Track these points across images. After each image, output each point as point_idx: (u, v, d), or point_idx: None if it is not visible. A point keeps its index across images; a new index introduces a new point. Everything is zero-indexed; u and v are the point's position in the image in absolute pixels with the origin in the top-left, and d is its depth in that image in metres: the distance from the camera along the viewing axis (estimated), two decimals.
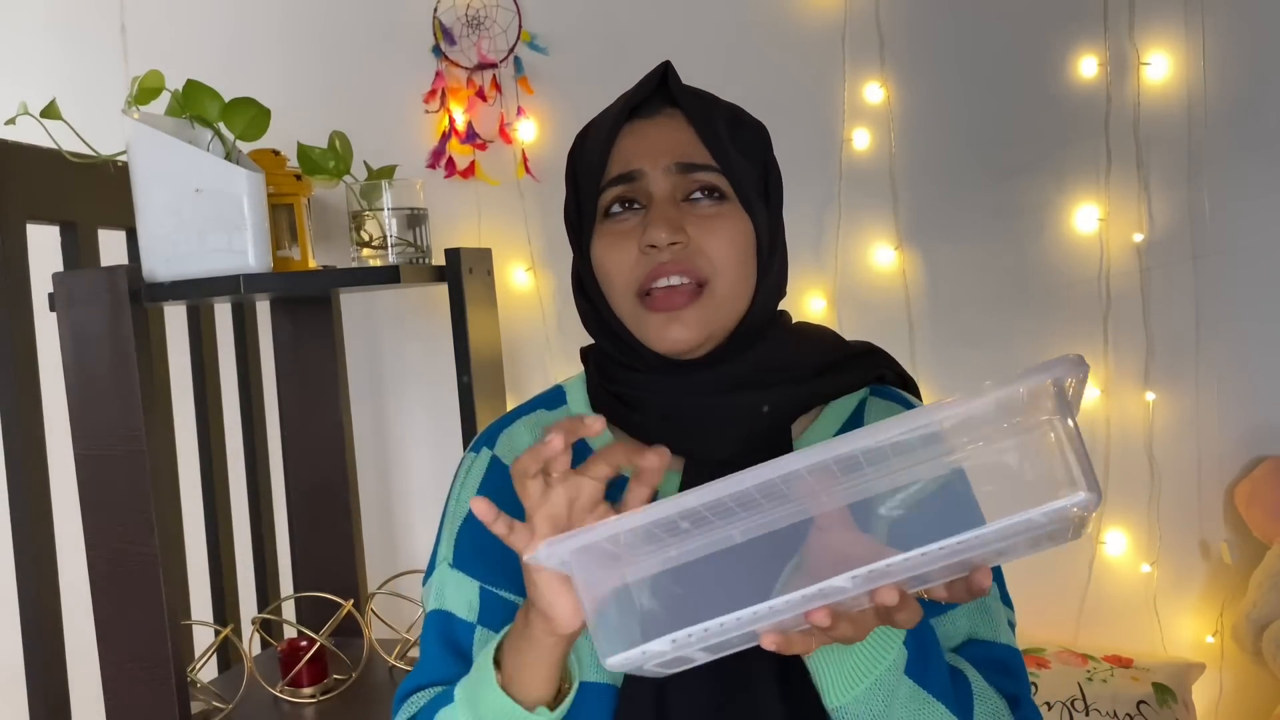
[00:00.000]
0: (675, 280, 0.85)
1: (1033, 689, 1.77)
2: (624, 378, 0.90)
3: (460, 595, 0.91)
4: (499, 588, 0.90)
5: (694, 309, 0.85)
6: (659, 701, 0.83)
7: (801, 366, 0.90)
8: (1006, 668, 0.86)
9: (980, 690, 0.82)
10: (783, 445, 0.88)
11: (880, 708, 0.75)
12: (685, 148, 0.87)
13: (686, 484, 0.87)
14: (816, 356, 0.92)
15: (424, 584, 0.96)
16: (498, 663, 0.79)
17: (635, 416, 0.89)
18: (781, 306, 0.95)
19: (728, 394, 0.87)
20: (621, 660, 0.66)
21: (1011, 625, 0.90)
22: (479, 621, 0.90)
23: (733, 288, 0.87)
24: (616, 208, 0.88)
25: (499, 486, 0.92)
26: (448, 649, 0.90)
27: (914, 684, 0.76)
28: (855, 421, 0.92)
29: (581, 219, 0.91)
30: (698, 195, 0.87)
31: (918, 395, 1.00)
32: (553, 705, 0.78)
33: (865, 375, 0.93)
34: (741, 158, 0.88)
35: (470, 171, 2.04)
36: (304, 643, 1.53)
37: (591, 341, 0.96)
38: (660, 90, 0.90)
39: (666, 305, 0.85)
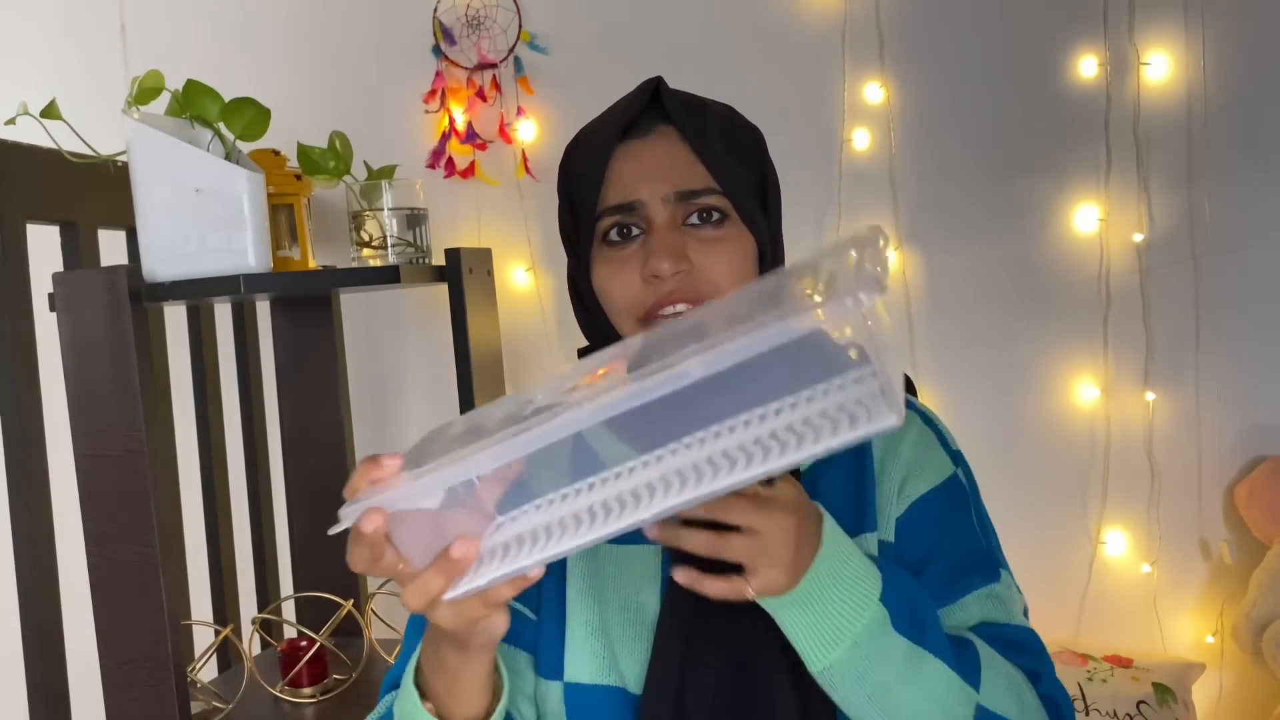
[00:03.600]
0: (681, 309, 0.85)
1: None
2: None
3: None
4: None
5: None
6: (678, 699, 0.83)
7: None
8: (1022, 646, 0.85)
9: (990, 658, 0.81)
10: None
11: (869, 666, 0.74)
12: (683, 171, 0.86)
13: None
14: None
15: None
16: (421, 686, 0.77)
17: None
18: None
19: None
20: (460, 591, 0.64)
21: (1024, 612, 0.90)
22: None
23: None
24: (615, 235, 0.88)
25: None
26: None
27: (907, 640, 0.75)
28: None
29: (579, 236, 0.90)
30: (696, 220, 0.87)
31: (914, 393, 1.00)
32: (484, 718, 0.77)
33: None
34: (739, 169, 0.88)
35: (470, 171, 2.04)
36: (304, 643, 1.53)
37: (588, 344, 0.96)
38: (652, 105, 0.89)
39: None
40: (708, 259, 0.85)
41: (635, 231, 0.87)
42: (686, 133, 0.87)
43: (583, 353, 0.97)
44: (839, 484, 0.89)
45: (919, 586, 0.80)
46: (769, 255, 0.90)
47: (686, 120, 0.88)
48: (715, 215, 0.86)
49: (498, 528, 0.66)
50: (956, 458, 0.92)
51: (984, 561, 0.88)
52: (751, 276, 0.88)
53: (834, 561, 0.74)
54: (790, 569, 0.71)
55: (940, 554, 0.87)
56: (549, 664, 0.89)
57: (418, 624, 0.91)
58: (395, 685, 0.90)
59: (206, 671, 1.59)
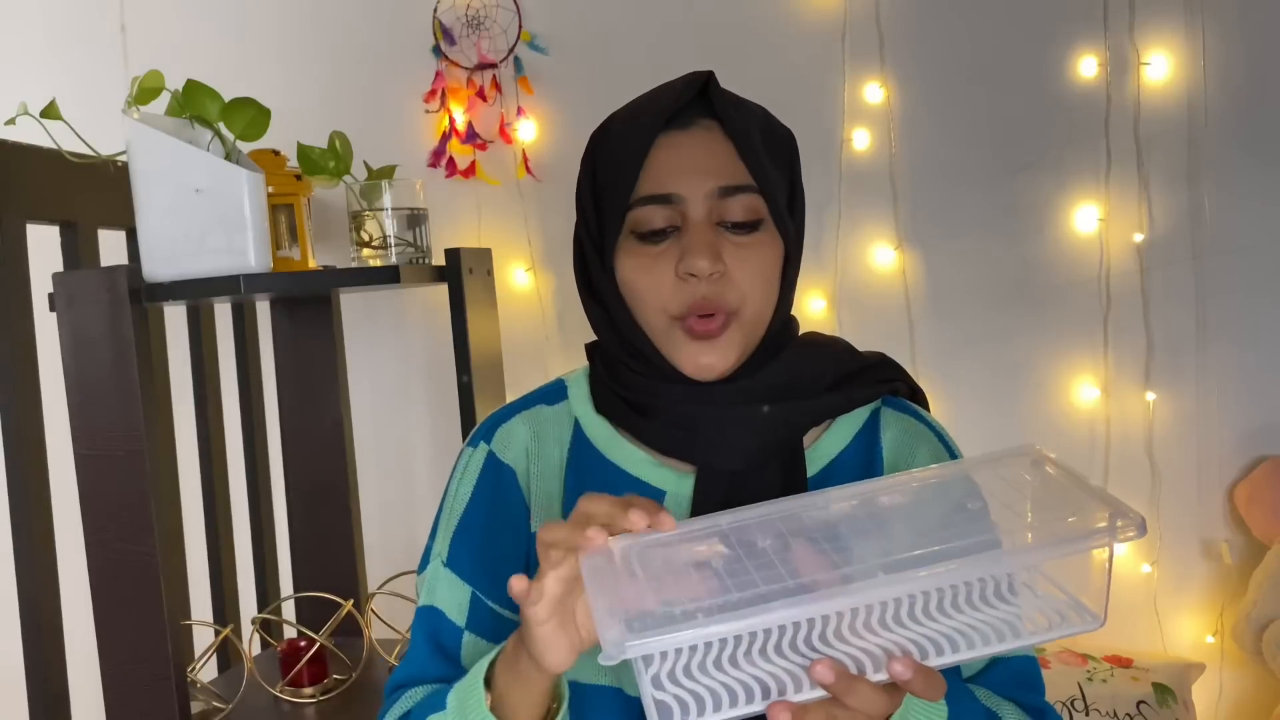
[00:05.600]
0: (711, 312, 0.84)
1: None
2: (635, 383, 0.89)
3: (451, 596, 0.91)
4: (490, 598, 0.90)
5: (727, 336, 0.84)
6: None
7: (817, 379, 0.90)
8: (1028, 681, 0.87)
9: (1011, 716, 0.83)
10: (796, 457, 0.88)
11: None
12: (724, 167, 0.85)
13: (699, 493, 0.87)
14: (831, 369, 0.91)
15: (419, 572, 0.96)
16: (489, 680, 0.78)
17: (645, 422, 0.89)
18: None
19: (742, 406, 0.86)
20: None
21: None
22: (467, 626, 0.90)
23: (759, 312, 0.86)
24: (648, 232, 0.85)
25: (495, 483, 0.92)
26: (435, 648, 0.90)
27: None
28: (868, 433, 0.91)
29: (603, 227, 0.88)
30: (731, 224, 0.85)
31: (926, 407, 0.99)
32: None
33: (879, 389, 0.93)
34: (775, 171, 0.87)
35: (470, 171, 2.04)
36: (304, 643, 1.53)
37: (595, 339, 0.95)
38: (695, 98, 0.87)
39: (703, 333, 0.84)
40: (739, 264, 0.84)
41: (669, 230, 0.85)
42: (731, 130, 0.86)
43: (589, 348, 0.96)
44: None
45: (968, 691, 0.80)
46: (794, 259, 0.89)
47: (733, 118, 0.86)
48: (750, 220, 0.85)
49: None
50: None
51: None
52: (774, 283, 0.87)
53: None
54: None
55: None
56: None
57: (424, 626, 0.91)
58: (400, 686, 0.90)
59: (206, 671, 1.59)
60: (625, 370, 0.90)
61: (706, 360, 0.84)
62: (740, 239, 0.85)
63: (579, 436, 0.92)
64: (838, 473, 0.89)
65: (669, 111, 0.85)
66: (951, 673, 0.80)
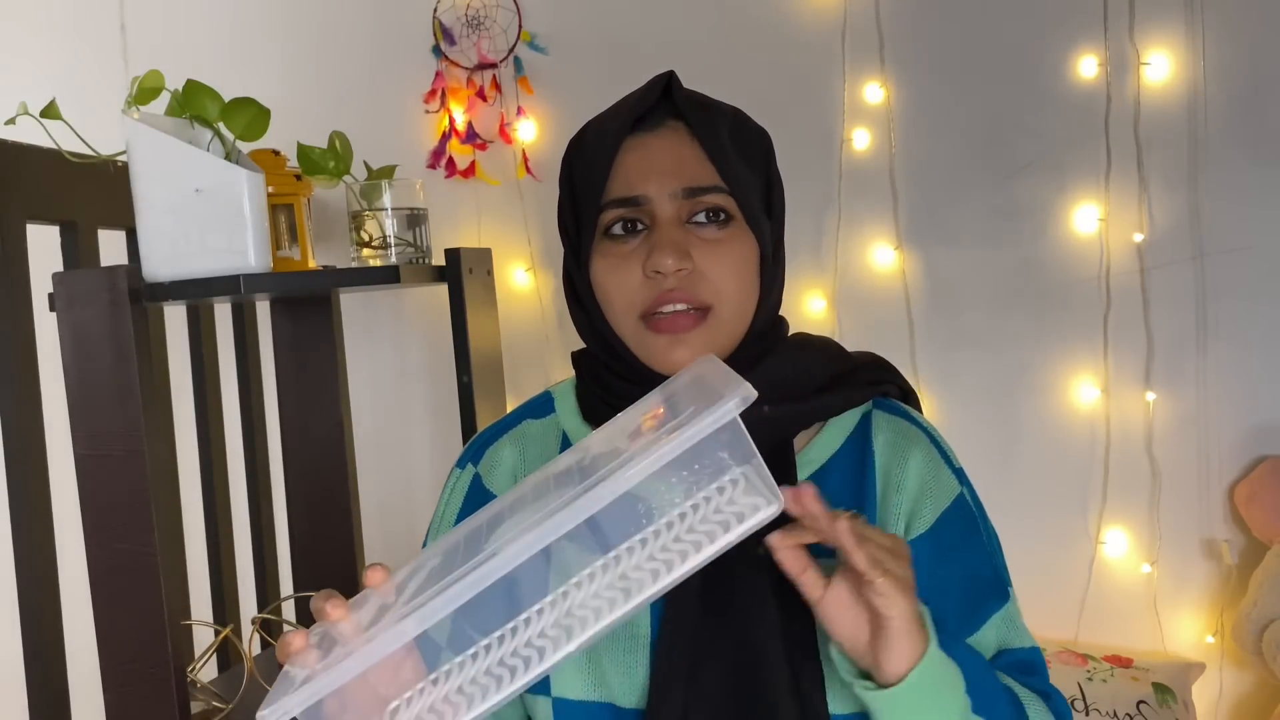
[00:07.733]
0: (680, 307, 0.84)
1: None
2: (620, 388, 0.89)
3: (440, 622, 0.91)
4: None
5: (698, 332, 0.84)
6: (683, 717, 0.82)
7: (806, 382, 0.89)
8: (1032, 667, 0.87)
9: (1027, 700, 0.83)
10: (786, 461, 0.87)
11: None
12: (691, 168, 0.85)
13: None
14: (821, 370, 0.90)
15: None
16: None
17: None
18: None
19: None
20: None
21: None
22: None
23: (736, 309, 0.86)
24: (618, 229, 0.86)
25: (480, 506, 0.91)
26: None
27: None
28: (859, 436, 0.90)
29: (580, 231, 0.89)
30: (702, 219, 0.85)
31: (919, 408, 0.99)
32: None
33: (870, 390, 0.92)
34: (746, 171, 0.87)
35: (470, 171, 2.04)
36: None
37: (583, 346, 0.95)
38: (663, 100, 0.88)
39: (670, 328, 0.84)
40: (710, 260, 0.84)
41: (639, 227, 0.86)
42: (696, 130, 0.86)
43: (575, 357, 0.96)
44: (837, 498, 0.87)
45: (981, 659, 0.80)
46: (770, 259, 0.88)
47: (697, 117, 0.86)
48: (721, 215, 0.85)
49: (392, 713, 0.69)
50: (960, 475, 0.91)
51: (995, 584, 0.88)
52: (753, 280, 0.87)
53: (936, 665, 0.73)
54: (912, 640, 0.72)
55: (954, 584, 0.86)
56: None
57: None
58: None
59: (206, 671, 1.59)
60: (609, 375, 0.90)
61: (677, 356, 0.84)
62: (709, 235, 0.85)
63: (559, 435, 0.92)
64: (830, 476, 0.88)
65: (634, 115, 0.87)
66: (966, 648, 0.80)
